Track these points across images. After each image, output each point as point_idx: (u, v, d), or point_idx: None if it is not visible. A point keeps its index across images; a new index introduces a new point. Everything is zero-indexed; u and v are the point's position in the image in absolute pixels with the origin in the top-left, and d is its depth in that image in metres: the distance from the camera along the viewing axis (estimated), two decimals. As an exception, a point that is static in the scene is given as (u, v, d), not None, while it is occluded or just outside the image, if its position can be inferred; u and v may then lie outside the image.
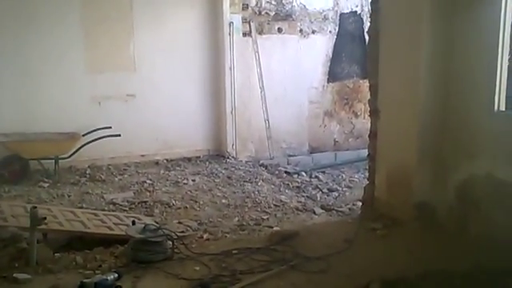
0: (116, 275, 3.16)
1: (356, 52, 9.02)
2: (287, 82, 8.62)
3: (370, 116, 4.76)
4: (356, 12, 9.02)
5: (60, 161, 7.06)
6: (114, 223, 4.73)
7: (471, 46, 3.98)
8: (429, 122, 4.19)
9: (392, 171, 4.47)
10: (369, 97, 4.77)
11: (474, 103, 3.97)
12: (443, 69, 4.13)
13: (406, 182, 4.31)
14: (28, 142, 6.90)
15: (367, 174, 4.88)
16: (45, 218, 3.61)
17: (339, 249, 3.75)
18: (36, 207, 3.56)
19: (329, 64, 8.95)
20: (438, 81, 4.14)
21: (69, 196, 6.19)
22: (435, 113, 4.19)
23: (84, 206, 5.72)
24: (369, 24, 4.89)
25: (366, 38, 8.30)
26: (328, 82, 9.00)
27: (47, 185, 6.64)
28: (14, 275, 3.18)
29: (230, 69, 8.20)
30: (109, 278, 3.09)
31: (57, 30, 7.33)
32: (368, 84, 4.84)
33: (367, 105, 4.90)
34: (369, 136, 4.76)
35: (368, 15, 8.61)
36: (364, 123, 8.78)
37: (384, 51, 4.49)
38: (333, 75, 9.02)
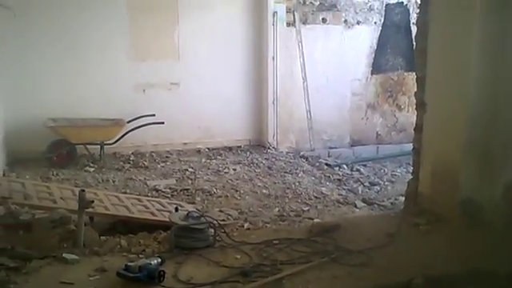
0: (159, 260, 3.22)
1: (401, 44, 8.85)
2: (330, 73, 8.54)
3: (415, 109, 4.65)
4: (402, 3, 8.83)
5: (105, 146, 7.25)
6: (157, 209, 4.83)
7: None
8: (477, 115, 4.06)
9: (437, 166, 4.37)
10: (415, 89, 4.67)
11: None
12: (494, 61, 3.98)
13: (451, 177, 4.20)
14: (75, 128, 7.11)
15: (411, 169, 4.78)
16: (92, 202, 3.72)
17: (381, 243, 3.69)
18: (84, 190, 3.66)
19: (373, 56, 8.82)
20: (488, 73, 4.00)
21: (113, 181, 6.35)
22: (484, 106, 4.05)
23: (128, 191, 5.86)
24: (416, 15, 4.78)
25: (412, 29, 8.31)
26: (372, 74, 8.88)
27: (93, 169, 6.84)
28: (63, 255, 3.28)
29: (273, 59, 8.19)
30: (152, 262, 3.15)
31: (103, 18, 7.51)
32: (414, 76, 4.74)
33: (411, 98, 4.83)
34: (414, 129, 4.66)
35: (415, 6, 8.50)
36: (408, 117, 8.64)
37: (433, 43, 4.37)
38: (377, 67, 8.88)
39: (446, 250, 3.64)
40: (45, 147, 6.93)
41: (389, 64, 8.96)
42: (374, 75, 8.88)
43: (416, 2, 8.36)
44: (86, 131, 7.13)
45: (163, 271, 3.05)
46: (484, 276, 3.23)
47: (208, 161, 7.54)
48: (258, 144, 8.53)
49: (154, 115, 7.49)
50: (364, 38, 8.74)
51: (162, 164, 7.31)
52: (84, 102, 7.51)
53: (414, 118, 4.69)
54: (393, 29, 8.83)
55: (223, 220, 4.58)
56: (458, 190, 4.15)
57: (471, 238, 3.82)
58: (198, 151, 8.09)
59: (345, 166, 7.53)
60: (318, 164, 7.55)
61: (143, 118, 7.46)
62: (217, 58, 8.20)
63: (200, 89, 8.12)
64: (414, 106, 4.68)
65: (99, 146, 7.21)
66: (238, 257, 3.45)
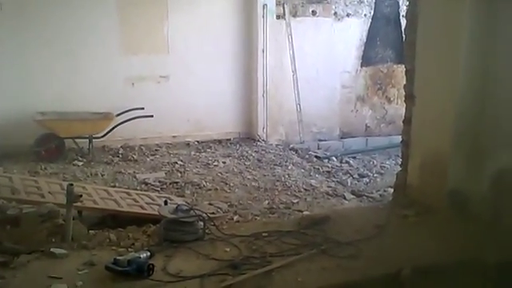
0: (148, 253, 3.21)
1: (391, 36, 8.87)
2: (320, 65, 8.54)
3: (404, 101, 4.67)
4: (392, -5, 8.83)
5: (94, 140, 7.20)
6: (146, 203, 4.81)
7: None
8: (466, 108, 4.08)
9: (426, 158, 4.39)
10: (404, 82, 4.68)
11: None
12: (483, 54, 4.00)
13: (440, 169, 4.23)
14: (64, 121, 7.05)
15: (400, 161, 4.80)
16: (81, 196, 3.69)
17: (370, 234, 3.71)
18: (72, 185, 3.64)
19: (363, 48, 8.84)
20: (477, 66, 4.02)
21: (102, 175, 6.32)
22: (473, 99, 4.07)
23: (117, 184, 5.84)
24: (406, 8, 4.78)
25: (402, 22, 8.31)
26: (361, 67, 8.89)
27: (81, 163, 6.80)
28: (51, 250, 3.26)
29: (263, 51, 8.18)
30: (141, 255, 3.14)
31: (94, 12, 7.46)
32: (404, 69, 4.75)
33: (401, 90, 4.82)
34: (403, 122, 4.68)
35: (405, -1, 8.50)
36: (397, 109, 8.66)
37: (422, 35, 4.38)
38: (366, 59, 8.90)
39: (435, 241, 3.66)
40: (33, 141, 6.87)
41: (378, 56, 8.98)
42: (363, 67, 8.90)
43: (406, -5, 8.36)
44: (74, 125, 7.07)
45: (152, 265, 3.04)
46: (472, 266, 3.26)
47: (197, 154, 7.52)
48: (248, 137, 8.53)
49: (143, 108, 7.45)
50: (354, 30, 8.74)
51: (152, 157, 7.29)
52: (73, 95, 7.45)
53: (403, 111, 4.71)
54: (382, 21, 8.84)
55: (213, 213, 4.56)
56: (446, 182, 4.18)
57: (459, 230, 3.85)
58: (188, 144, 8.07)
59: (334, 159, 7.55)
60: (307, 156, 7.57)
61: (132, 112, 7.42)
62: (206, 51, 8.16)
63: (190, 82, 8.09)
64: (403, 99, 4.70)
65: (88, 140, 7.16)
66: (228, 249, 3.45)
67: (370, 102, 9.06)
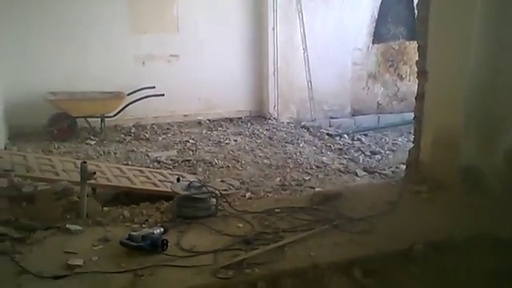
0: (162, 229, 3.24)
1: (402, 13, 8.74)
2: (331, 42, 8.45)
3: (417, 77, 4.62)
4: (404, -30, 8.68)
5: (106, 119, 7.24)
6: (159, 180, 4.85)
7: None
8: (479, 83, 4.03)
9: (438, 134, 4.36)
10: (417, 58, 4.63)
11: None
12: (496, 29, 3.94)
13: (452, 144, 4.20)
14: (75, 101, 7.09)
15: (412, 137, 4.77)
16: (94, 173, 3.73)
17: (382, 210, 3.71)
18: (86, 162, 3.67)
19: (374, 25, 8.72)
20: (490, 41, 3.96)
21: (115, 153, 6.37)
22: (486, 74, 4.01)
23: (129, 163, 5.88)
24: (418, -17, 4.70)
25: (414, -3, 8.17)
26: (373, 44, 8.80)
27: (94, 142, 6.85)
28: (67, 226, 3.31)
29: (273, 29, 8.11)
30: (155, 231, 3.17)
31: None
32: (416, 45, 4.69)
33: (413, 67, 4.77)
34: (415, 98, 4.64)
35: (417, -27, 8.34)
36: (409, 86, 8.59)
37: (435, 11, 4.31)
38: (378, 36, 8.79)
39: (447, 216, 3.65)
40: (46, 121, 6.92)
41: (390, 33, 8.87)
42: (375, 44, 8.80)
43: (418, -31, 8.21)
44: (86, 104, 7.11)
45: (166, 240, 3.08)
46: (485, 241, 3.25)
47: (209, 132, 7.54)
48: (259, 115, 8.52)
49: (154, 87, 7.45)
50: (365, 6, 8.62)
51: (163, 136, 7.32)
52: (84, 75, 7.47)
53: (415, 88, 4.66)
54: (394, -3, 8.71)
55: (225, 190, 4.59)
56: (458, 157, 4.15)
57: (472, 205, 3.83)
58: (199, 123, 8.08)
59: (346, 136, 7.52)
60: (319, 134, 7.55)
61: (143, 91, 7.43)
62: (216, 29, 8.12)
63: (200, 60, 8.07)
64: (416, 75, 4.66)
65: (100, 119, 7.20)
66: (240, 225, 3.47)
67: (381, 79, 8.98)
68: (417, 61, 4.61)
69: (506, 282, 2.87)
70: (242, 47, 8.38)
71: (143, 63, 7.84)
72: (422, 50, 4.52)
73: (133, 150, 6.49)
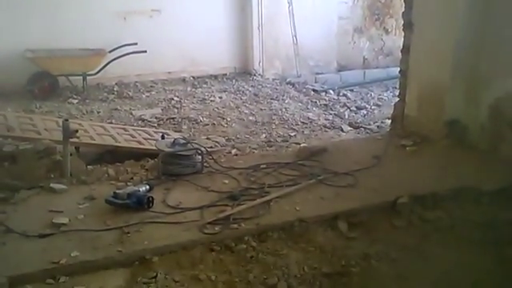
0: (147, 187, 3.24)
1: (389, -36, 8.57)
2: (316, -4, 8.29)
3: (403, 30, 4.55)
4: None
5: (88, 77, 7.09)
6: (143, 138, 4.80)
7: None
8: (465, 36, 4.00)
9: (424, 88, 4.35)
10: (403, 10, 4.56)
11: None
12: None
13: (437, 99, 4.19)
14: (55, 59, 6.90)
15: (398, 91, 4.76)
16: (77, 131, 3.67)
17: (368, 165, 3.74)
18: (68, 120, 3.61)
19: (360, -23, 8.55)
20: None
21: (98, 112, 6.27)
22: (472, 28, 3.97)
23: (113, 121, 5.79)
24: None
25: None
26: (359, -4, 8.64)
27: (76, 101, 6.73)
28: (51, 185, 3.28)
29: (257, -18, 7.91)
30: (141, 189, 3.17)
31: None
32: (403, -3, 4.61)
33: (399, 21, 4.67)
34: (401, 51, 4.59)
35: None
36: (395, 40, 8.51)
37: (422, -40, 4.22)
38: (364, -11, 8.63)
39: (432, 169, 3.69)
40: (26, 80, 6.76)
41: (376, -15, 8.71)
42: (361, -3, 8.66)
43: None
44: (66, 62, 6.92)
45: (152, 197, 3.07)
46: (468, 194, 3.30)
47: (193, 89, 7.45)
48: (244, 71, 8.41)
49: (136, 44, 7.28)
50: (351, -43, 8.43)
51: (147, 94, 7.22)
52: (63, 31, 7.23)
53: (401, 42, 4.60)
54: None
55: (210, 147, 4.57)
56: (443, 112, 4.16)
57: (456, 159, 3.88)
58: (183, 80, 7.97)
59: (331, 92, 7.48)
60: (304, 90, 7.50)
61: (125, 47, 7.26)
62: (199, -18, 7.90)
63: (183, 16, 7.86)
64: (402, 28, 4.59)
65: (82, 78, 7.05)
66: (226, 182, 3.48)
67: (367, 34, 8.87)
68: (403, 12, 4.54)
69: (488, 233, 2.92)
70: (225, 2, 8.18)
71: (124, 18, 7.62)
72: (408, 1, 4.45)
73: (116, 109, 6.40)
